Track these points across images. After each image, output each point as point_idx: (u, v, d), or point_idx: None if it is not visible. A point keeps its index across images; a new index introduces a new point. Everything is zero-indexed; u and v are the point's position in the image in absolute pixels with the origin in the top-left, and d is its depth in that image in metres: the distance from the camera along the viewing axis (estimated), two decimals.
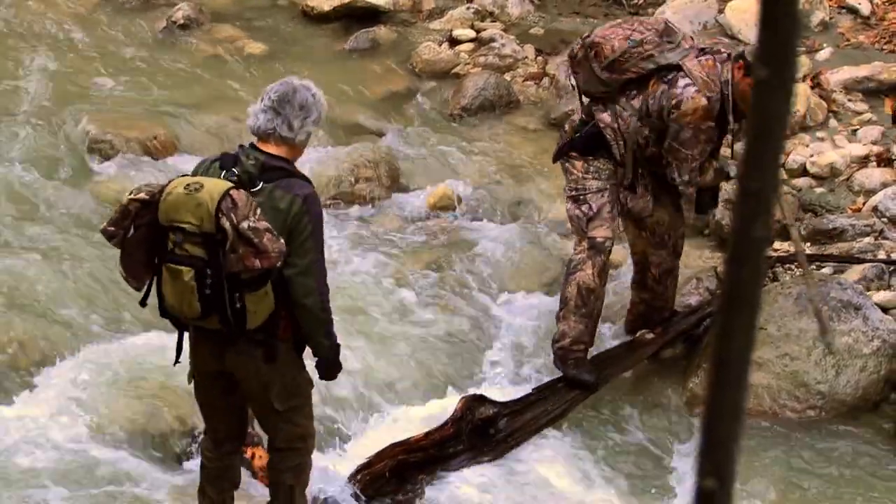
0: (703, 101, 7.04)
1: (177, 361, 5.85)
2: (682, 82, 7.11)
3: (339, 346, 5.81)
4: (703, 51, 7.23)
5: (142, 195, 5.45)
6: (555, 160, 7.78)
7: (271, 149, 5.52)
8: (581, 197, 7.39)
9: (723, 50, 7.21)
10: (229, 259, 5.26)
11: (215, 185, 5.31)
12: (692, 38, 7.46)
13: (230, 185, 5.31)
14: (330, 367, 5.89)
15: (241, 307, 5.40)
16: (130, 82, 11.06)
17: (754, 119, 1.37)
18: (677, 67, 7.15)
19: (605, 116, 7.34)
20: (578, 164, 7.43)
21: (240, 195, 5.27)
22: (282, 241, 5.25)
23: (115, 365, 7.40)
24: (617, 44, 7.28)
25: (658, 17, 7.63)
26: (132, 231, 5.48)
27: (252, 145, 5.55)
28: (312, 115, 5.59)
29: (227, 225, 5.21)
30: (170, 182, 5.49)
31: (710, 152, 7.22)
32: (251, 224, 5.20)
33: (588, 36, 7.50)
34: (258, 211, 5.25)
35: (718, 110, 7.08)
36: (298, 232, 5.39)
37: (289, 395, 5.79)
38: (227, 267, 5.27)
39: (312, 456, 6.07)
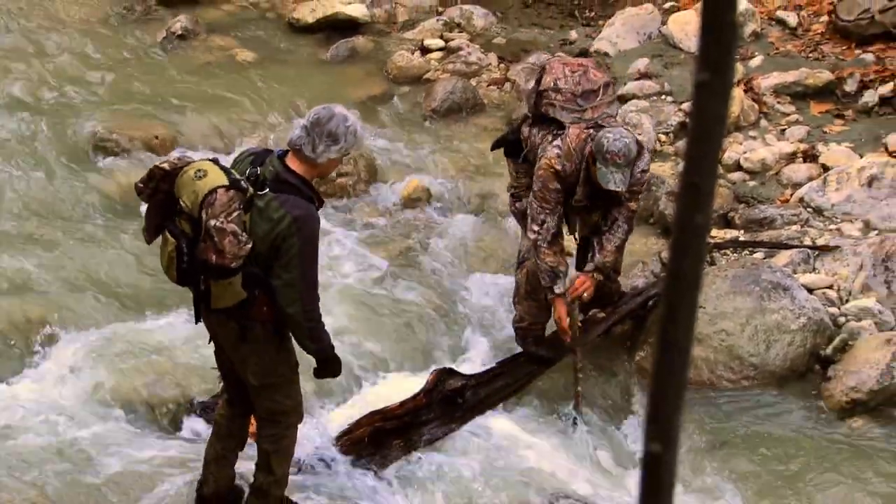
0: (556, 167, 6.88)
1: (197, 321, 5.73)
2: (555, 143, 6.98)
3: (328, 349, 5.63)
4: (597, 123, 6.97)
5: (165, 165, 5.41)
6: (491, 150, 8.02)
7: (293, 162, 5.35)
8: (516, 193, 7.47)
9: (608, 126, 6.87)
10: (199, 247, 5.25)
11: (213, 179, 5.24)
12: (609, 107, 7.22)
13: (224, 183, 5.21)
14: (321, 369, 5.78)
15: (206, 289, 5.41)
16: (134, 86, 11.03)
17: (695, 119, 1.36)
18: (564, 128, 7.05)
19: (525, 129, 7.35)
20: (511, 165, 7.51)
21: (222, 195, 5.19)
22: (246, 246, 5.19)
23: (120, 342, 7.39)
24: (548, 78, 7.22)
25: (596, 69, 7.42)
26: (155, 193, 5.42)
27: (282, 153, 5.42)
28: (339, 144, 5.34)
29: (203, 217, 5.19)
30: (194, 162, 5.42)
31: (558, 215, 7.01)
32: (217, 224, 5.16)
33: (553, 58, 7.51)
34: (233, 214, 5.17)
35: (569, 179, 6.90)
36: (285, 249, 5.25)
37: (264, 373, 5.69)
38: (197, 253, 5.26)
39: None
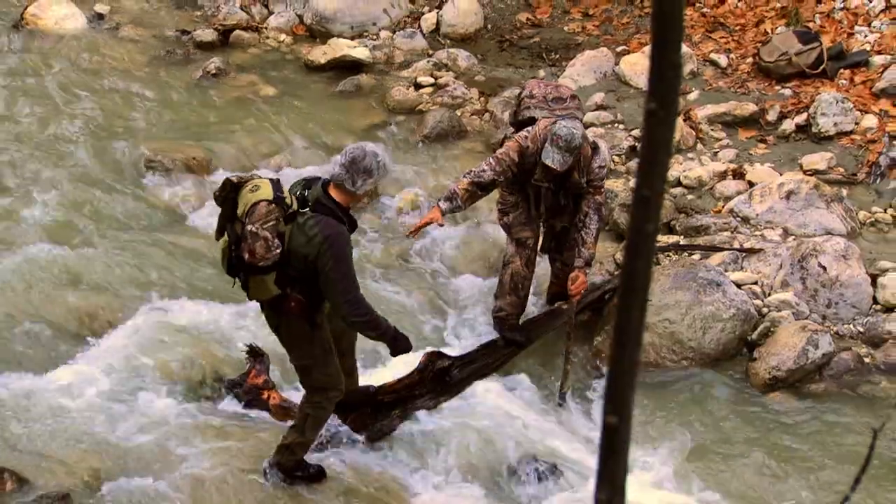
0: (521, 142, 6.96)
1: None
2: (527, 128, 7.09)
3: (388, 331, 5.68)
4: (562, 117, 7.07)
5: (234, 178, 5.54)
6: None
7: (334, 191, 5.47)
8: (504, 209, 7.42)
9: (569, 118, 7.01)
10: (241, 246, 5.37)
11: (262, 193, 5.37)
12: (576, 112, 7.33)
13: (268, 197, 5.33)
14: (391, 349, 5.85)
15: (245, 281, 5.53)
16: (175, 116, 11.00)
17: (645, 142, 1.35)
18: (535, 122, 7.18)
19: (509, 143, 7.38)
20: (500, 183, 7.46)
21: (262, 207, 5.31)
22: (274, 251, 5.30)
23: (163, 329, 7.36)
24: (526, 90, 7.48)
25: (567, 87, 7.69)
26: (226, 200, 5.54)
27: (326, 181, 5.52)
28: (373, 177, 5.47)
29: (245, 222, 5.33)
30: (257, 178, 5.54)
31: (498, 181, 7.01)
32: (252, 229, 5.28)
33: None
34: (268, 223, 5.28)
35: (530, 160, 6.94)
36: (321, 266, 5.36)
37: (300, 356, 5.83)
38: (239, 251, 5.39)
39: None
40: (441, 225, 7.18)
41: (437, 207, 6.87)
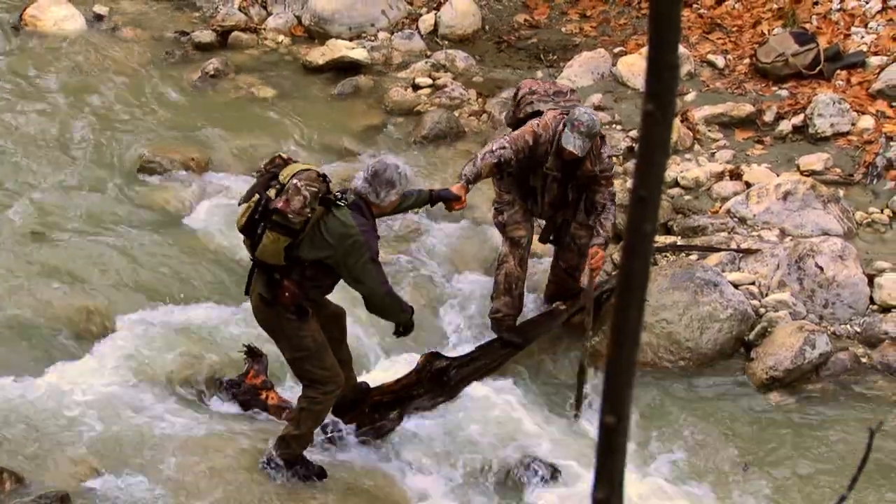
0: (535, 129, 7.03)
1: (246, 293, 6.05)
2: (534, 120, 7.15)
3: (410, 313, 6.07)
4: (569, 107, 7.16)
5: (285, 156, 5.89)
6: None
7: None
8: (500, 208, 7.44)
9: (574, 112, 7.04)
10: (277, 198, 5.58)
11: (312, 168, 5.75)
12: (577, 101, 7.44)
13: (319, 171, 5.71)
14: (404, 330, 6.18)
15: (260, 234, 5.64)
16: (174, 117, 10.99)
17: (643, 143, 1.35)
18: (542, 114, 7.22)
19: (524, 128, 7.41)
20: (495, 182, 7.47)
21: (312, 172, 5.64)
22: (307, 209, 5.53)
23: (161, 330, 7.36)
24: (524, 89, 7.50)
25: (566, 82, 7.77)
26: (267, 172, 5.79)
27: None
28: (396, 188, 5.82)
29: (290, 181, 5.57)
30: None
31: (514, 160, 7.02)
32: (297, 183, 5.53)
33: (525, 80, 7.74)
34: (313, 187, 5.54)
35: (542, 148, 7.02)
36: (355, 258, 5.65)
37: (292, 348, 5.91)
38: (272, 203, 5.59)
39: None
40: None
41: (464, 187, 6.89)
